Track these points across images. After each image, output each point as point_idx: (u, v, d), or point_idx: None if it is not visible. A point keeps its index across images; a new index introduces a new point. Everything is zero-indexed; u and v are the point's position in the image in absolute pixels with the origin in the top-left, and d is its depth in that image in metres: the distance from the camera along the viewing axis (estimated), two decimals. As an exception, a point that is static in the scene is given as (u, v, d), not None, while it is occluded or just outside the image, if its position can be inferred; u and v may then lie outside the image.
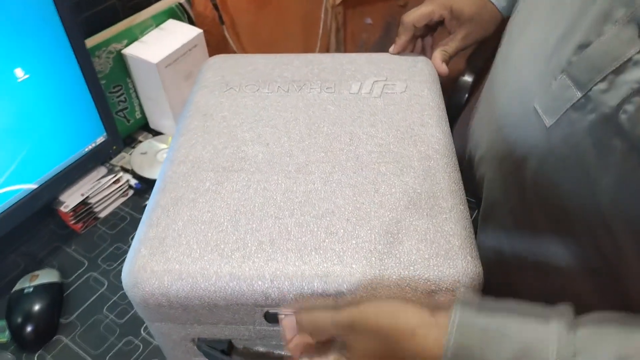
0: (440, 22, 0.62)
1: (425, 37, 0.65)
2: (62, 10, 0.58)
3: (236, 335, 0.44)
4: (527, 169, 0.49)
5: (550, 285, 0.51)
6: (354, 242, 0.40)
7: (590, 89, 0.39)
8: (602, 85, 0.38)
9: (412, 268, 0.38)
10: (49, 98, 0.61)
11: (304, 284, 0.38)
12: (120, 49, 0.73)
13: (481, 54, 0.79)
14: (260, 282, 0.38)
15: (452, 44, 0.60)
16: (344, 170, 0.46)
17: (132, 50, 0.73)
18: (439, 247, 0.40)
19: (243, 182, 0.45)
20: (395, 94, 0.54)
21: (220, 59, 0.61)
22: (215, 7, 0.95)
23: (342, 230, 0.41)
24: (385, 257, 0.39)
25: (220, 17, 0.97)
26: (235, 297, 0.39)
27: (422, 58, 0.60)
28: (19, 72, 0.56)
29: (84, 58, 0.62)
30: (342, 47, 1.48)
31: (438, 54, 0.58)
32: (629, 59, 0.36)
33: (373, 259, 0.39)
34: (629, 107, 0.36)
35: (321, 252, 0.40)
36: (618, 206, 0.40)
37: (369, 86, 0.55)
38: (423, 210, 0.42)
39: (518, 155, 0.50)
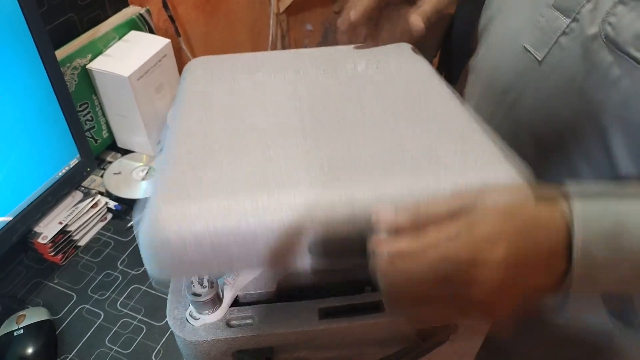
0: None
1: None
2: (32, 23, 0.53)
3: (281, 341, 0.42)
4: (521, 108, 0.51)
5: None
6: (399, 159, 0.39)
7: (579, 12, 0.43)
8: (588, 6, 0.42)
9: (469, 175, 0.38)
10: (22, 118, 0.56)
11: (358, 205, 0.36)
12: (85, 64, 0.68)
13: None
14: (303, 208, 0.35)
15: (427, 4, 0.56)
16: (367, 124, 0.45)
17: (99, 65, 0.68)
18: (484, 154, 0.40)
19: (261, 139, 0.42)
20: (391, 70, 0.54)
21: (203, 59, 0.58)
22: (171, 18, 0.92)
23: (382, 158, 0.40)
24: (434, 166, 0.39)
25: (176, 29, 0.94)
26: (277, 224, 0.35)
27: (404, 44, 0.61)
28: (-10, 93, 0.51)
29: (55, 73, 0.58)
30: (288, 54, 1.49)
31: (415, 15, 0.54)
32: None
33: (441, 169, 0.38)
34: (613, 19, 0.40)
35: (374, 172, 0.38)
36: (615, 117, 0.43)
37: (363, 65, 0.55)
38: (454, 136, 0.42)
39: (511, 98, 0.52)
